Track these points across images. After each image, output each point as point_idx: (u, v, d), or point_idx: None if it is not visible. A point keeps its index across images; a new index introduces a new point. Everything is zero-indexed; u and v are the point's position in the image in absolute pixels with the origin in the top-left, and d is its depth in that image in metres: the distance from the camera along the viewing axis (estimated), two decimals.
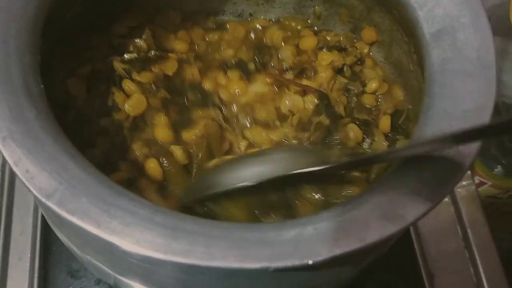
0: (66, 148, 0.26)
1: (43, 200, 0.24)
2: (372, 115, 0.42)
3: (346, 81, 0.42)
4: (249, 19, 0.48)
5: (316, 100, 0.41)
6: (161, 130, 0.37)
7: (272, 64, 0.43)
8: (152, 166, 0.36)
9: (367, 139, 0.41)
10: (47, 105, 0.27)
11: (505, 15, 0.52)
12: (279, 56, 0.44)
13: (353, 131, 0.40)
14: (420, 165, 0.27)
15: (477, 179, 0.51)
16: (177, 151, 0.37)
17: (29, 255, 0.43)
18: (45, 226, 0.44)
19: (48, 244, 0.44)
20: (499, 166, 0.58)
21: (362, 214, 0.25)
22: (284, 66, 0.43)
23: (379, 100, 0.42)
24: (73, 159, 0.26)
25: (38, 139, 0.26)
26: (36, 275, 0.42)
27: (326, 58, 0.43)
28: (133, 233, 0.24)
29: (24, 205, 0.45)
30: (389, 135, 0.41)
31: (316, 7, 0.46)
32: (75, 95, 0.37)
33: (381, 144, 0.40)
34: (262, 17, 0.48)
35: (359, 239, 0.25)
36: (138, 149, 0.36)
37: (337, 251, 0.24)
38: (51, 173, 0.25)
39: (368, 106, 0.42)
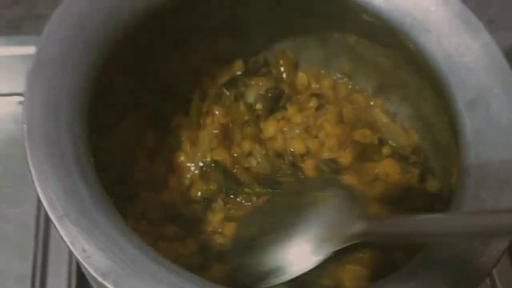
0: (118, 225, 0.27)
1: (100, 279, 0.25)
2: None
3: None
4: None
5: None
6: None
7: None
8: None
9: None
10: (99, 181, 0.29)
11: None
12: None
13: None
14: (436, 266, 0.28)
15: None
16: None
17: None
18: (80, 279, 0.45)
19: None
20: None
21: None
22: None
23: None
24: (124, 236, 0.27)
25: (92, 217, 0.27)
26: None
27: None
28: None
29: (59, 256, 0.46)
30: None
31: (343, 62, 0.47)
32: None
33: None
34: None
35: None
36: None
37: None
38: (106, 252, 0.26)
39: None
